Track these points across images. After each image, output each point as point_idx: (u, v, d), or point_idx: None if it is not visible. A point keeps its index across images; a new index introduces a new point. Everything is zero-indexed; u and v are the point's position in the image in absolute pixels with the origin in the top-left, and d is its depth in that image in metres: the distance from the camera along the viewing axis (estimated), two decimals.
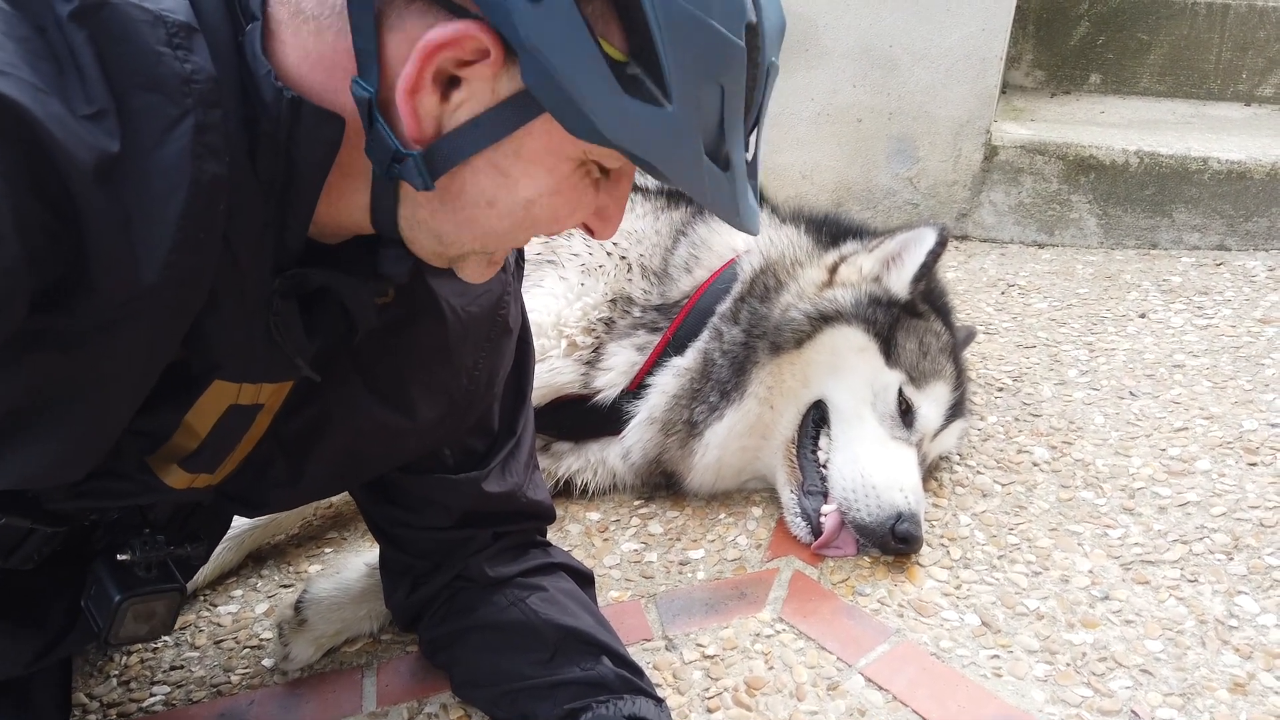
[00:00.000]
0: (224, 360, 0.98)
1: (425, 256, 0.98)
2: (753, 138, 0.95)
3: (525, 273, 1.60)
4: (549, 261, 1.98)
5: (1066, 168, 3.15)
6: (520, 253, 1.36)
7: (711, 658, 1.51)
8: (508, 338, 1.32)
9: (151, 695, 1.48)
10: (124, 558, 1.14)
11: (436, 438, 1.29)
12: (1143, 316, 2.64)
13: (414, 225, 0.94)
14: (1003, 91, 3.47)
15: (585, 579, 1.48)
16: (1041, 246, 3.26)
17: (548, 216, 0.93)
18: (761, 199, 2.14)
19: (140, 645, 1.57)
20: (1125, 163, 3.09)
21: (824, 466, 1.79)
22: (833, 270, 1.89)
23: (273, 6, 0.87)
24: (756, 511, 1.91)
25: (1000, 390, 2.31)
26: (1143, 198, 3.11)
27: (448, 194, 0.90)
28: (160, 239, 0.79)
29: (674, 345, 1.88)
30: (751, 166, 0.95)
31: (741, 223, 0.95)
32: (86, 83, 0.75)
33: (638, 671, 1.31)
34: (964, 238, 3.32)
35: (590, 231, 1.00)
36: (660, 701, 1.27)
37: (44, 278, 0.76)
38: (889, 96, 3.21)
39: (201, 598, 1.69)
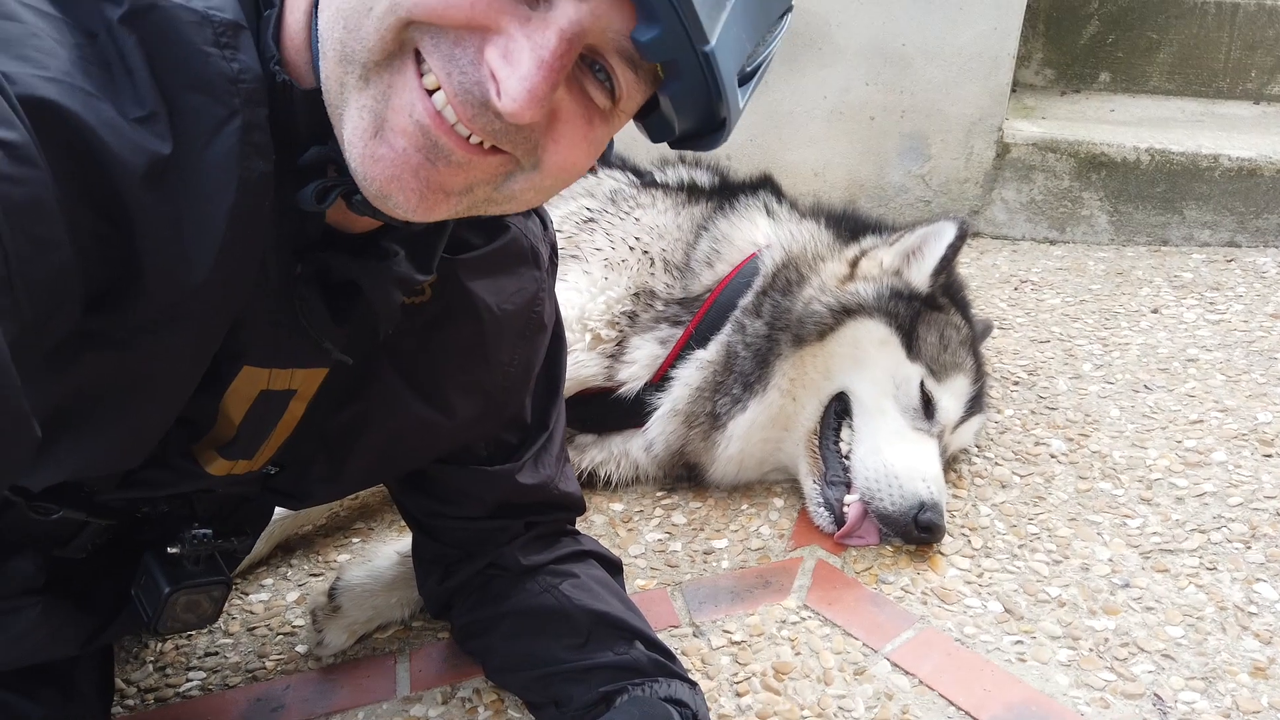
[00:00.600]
0: (250, 346, 0.99)
1: (331, 101, 0.84)
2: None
3: None
4: (573, 256, 2.01)
5: (1078, 165, 3.18)
6: (554, 249, 1.38)
7: (739, 644, 1.53)
8: (542, 334, 1.34)
9: (188, 680, 1.50)
10: (173, 550, 1.16)
11: (473, 433, 1.31)
12: (1155, 312, 2.66)
13: (320, 41, 0.84)
14: (1013, 90, 3.49)
15: (614, 566, 1.50)
16: (1053, 243, 3.28)
17: None
18: (780, 195, 2.17)
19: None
20: (1136, 160, 3.12)
21: (846, 457, 1.81)
22: (854, 264, 1.92)
23: None
24: (778, 502, 1.93)
25: (1016, 384, 2.33)
26: (1154, 195, 3.13)
27: None
28: (210, 238, 0.81)
29: (696, 338, 1.90)
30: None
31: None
32: (137, 86, 0.77)
33: (670, 655, 1.33)
34: (976, 234, 3.35)
35: (494, 81, 0.78)
36: (694, 684, 1.30)
37: (97, 281, 0.78)
38: (901, 94, 3.24)
39: (233, 586, 1.72)
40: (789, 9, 0.91)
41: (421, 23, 0.77)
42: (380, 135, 0.81)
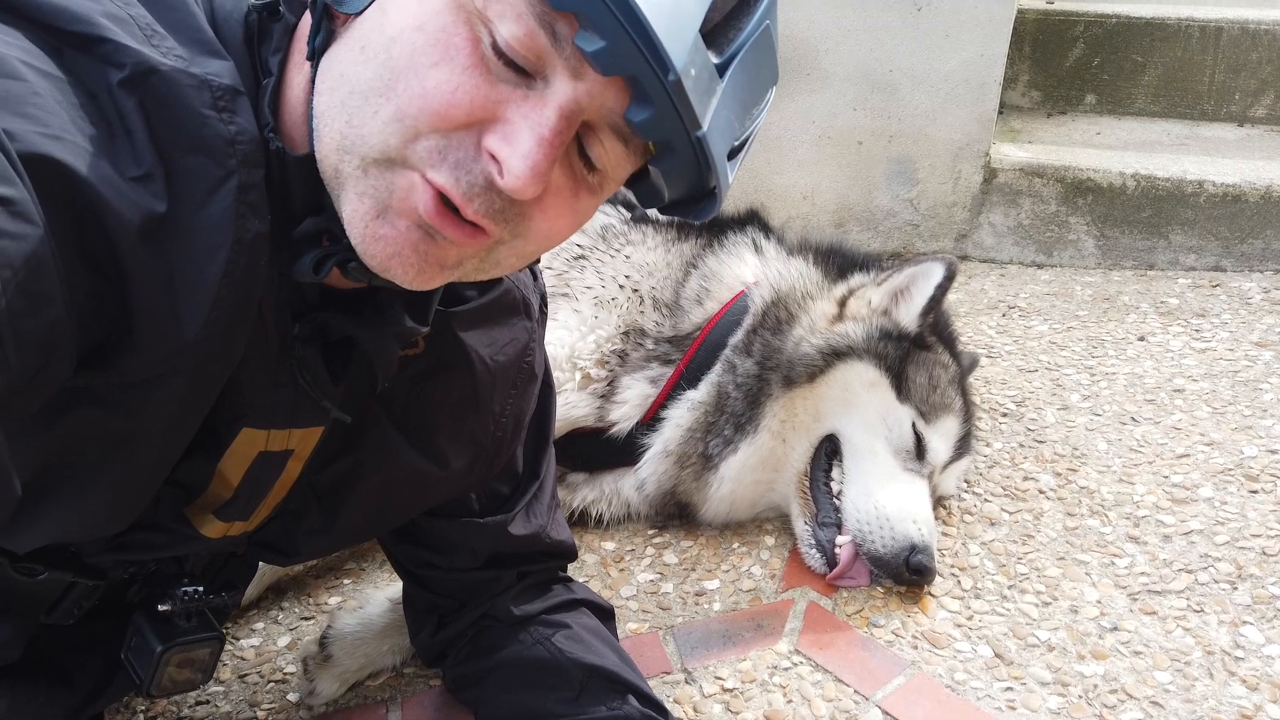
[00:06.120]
0: (249, 408, 1.00)
1: (326, 178, 0.87)
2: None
3: None
4: (562, 295, 2.01)
5: (1064, 190, 3.20)
6: (544, 299, 1.39)
7: (731, 691, 1.54)
8: (533, 383, 1.35)
9: None
10: (164, 608, 1.16)
11: (465, 484, 1.32)
12: (1142, 339, 2.68)
13: (317, 119, 0.86)
14: (1000, 111, 3.51)
15: (606, 614, 1.51)
16: (1040, 267, 3.30)
17: (405, 60, 0.78)
18: (768, 230, 2.18)
19: None
20: (1122, 185, 3.14)
21: (837, 498, 1.82)
22: (842, 303, 1.93)
23: (293, 56, 0.91)
24: (770, 541, 1.94)
25: (1004, 416, 2.34)
26: (1139, 219, 3.16)
27: (335, 56, 0.85)
28: (202, 296, 0.82)
29: (687, 378, 1.91)
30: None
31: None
32: (135, 146, 0.78)
33: (662, 710, 1.33)
34: (964, 258, 3.36)
35: (495, 163, 0.80)
36: None
37: (89, 337, 0.78)
38: (889, 120, 3.25)
39: (224, 642, 1.71)
40: (775, 82, 0.92)
41: (425, 132, 0.79)
42: (383, 217, 0.84)
